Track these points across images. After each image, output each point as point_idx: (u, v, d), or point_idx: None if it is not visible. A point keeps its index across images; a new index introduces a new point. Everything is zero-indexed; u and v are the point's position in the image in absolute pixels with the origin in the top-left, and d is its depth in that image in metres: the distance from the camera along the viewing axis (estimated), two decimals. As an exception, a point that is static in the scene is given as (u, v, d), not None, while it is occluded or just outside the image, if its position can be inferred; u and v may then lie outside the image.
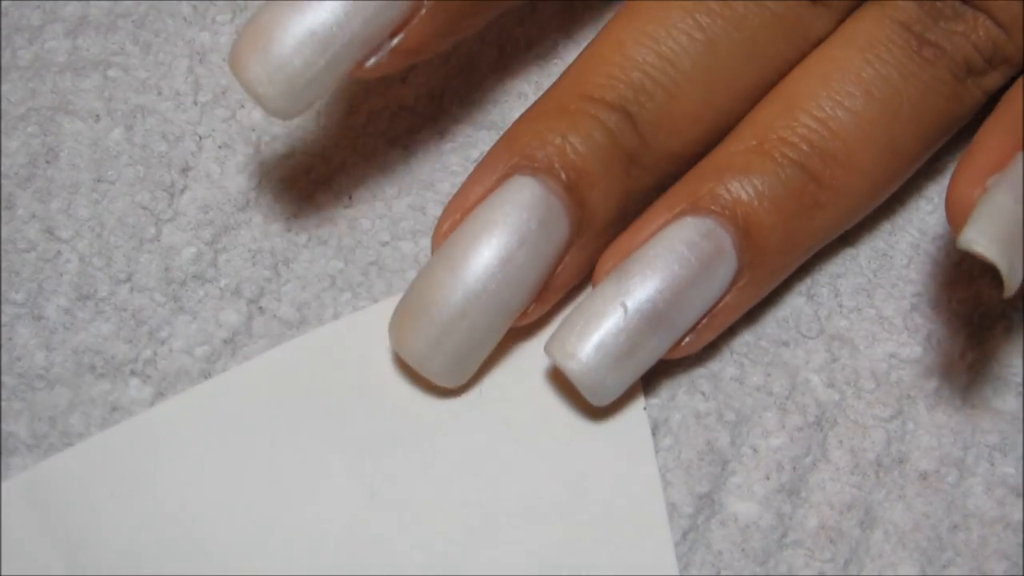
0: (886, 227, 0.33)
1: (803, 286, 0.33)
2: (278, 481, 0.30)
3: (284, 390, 0.31)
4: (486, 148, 0.34)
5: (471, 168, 0.33)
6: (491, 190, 0.30)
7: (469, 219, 0.29)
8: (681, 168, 0.31)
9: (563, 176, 0.29)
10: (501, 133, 0.32)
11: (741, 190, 0.30)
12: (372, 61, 0.29)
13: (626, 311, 0.29)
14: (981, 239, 0.27)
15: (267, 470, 0.30)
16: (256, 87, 0.28)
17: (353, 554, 0.29)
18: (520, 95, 0.35)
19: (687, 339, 0.30)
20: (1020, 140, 0.29)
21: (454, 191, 0.33)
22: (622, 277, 0.29)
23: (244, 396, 0.31)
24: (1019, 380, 0.31)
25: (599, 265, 0.30)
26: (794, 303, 0.32)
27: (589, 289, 0.31)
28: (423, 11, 0.29)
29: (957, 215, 0.28)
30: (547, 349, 0.30)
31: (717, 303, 0.30)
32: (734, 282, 0.30)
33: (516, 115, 0.32)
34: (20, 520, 0.29)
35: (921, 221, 0.33)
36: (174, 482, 0.30)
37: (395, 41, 0.29)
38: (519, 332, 0.32)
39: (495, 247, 0.29)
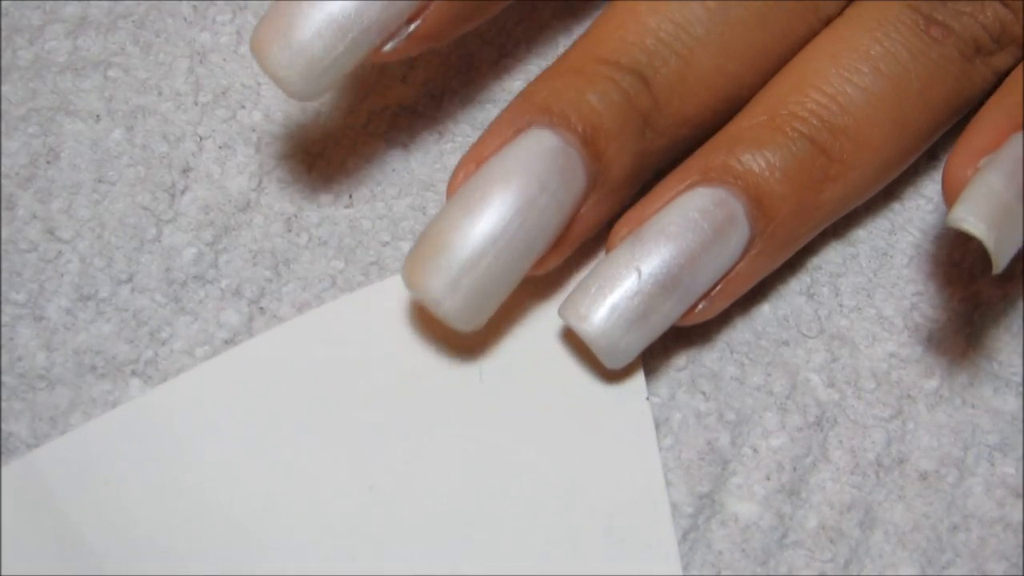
0: (886, 227, 0.33)
1: (803, 286, 0.33)
2: (274, 471, 0.30)
3: (280, 377, 0.31)
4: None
5: (472, 168, 0.34)
6: (508, 141, 0.30)
7: (485, 167, 0.30)
8: (694, 133, 0.32)
9: (580, 129, 0.30)
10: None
11: (753, 162, 0.30)
12: (390, 46, 0.30)
13: (640, 275, 0.30)
14: (969, 217, 0.28)
15: (263, 459, 0.30)
16: (277, 71, 0.29)
17: (351, 546, 0.29)
18: (520, 95, 0.35)
19: (701, 305, 0.31)
20: (1018, 122, 0.29)
21: (455, 191, 0.33)
22: (636, 243, 0.30)
23: (240, 382, 0.31)
24: (1019, 380, 0.31)
25: (613, 232, 0.31)
26: (794, 303, 0.32)
27: (603, 256, 0.31)
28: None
29: (950, 194, 0.29)
30: (561, 312, 0.30)
31: (730, 270, 0.31)
32: (747, 250, 0.31)
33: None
34: (17, 506, 0.29)
35: (921, 221, 0.33)
36: (169, 469, 0.30)
37: (412, 27, 0.30)
38: (518, 327, 0.32)
39: (514, 192, 0.29)
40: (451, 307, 0.29)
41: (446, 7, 0.30)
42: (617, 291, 0.30)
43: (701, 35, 0.31)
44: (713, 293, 0.31)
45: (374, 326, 0.31)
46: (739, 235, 0.30)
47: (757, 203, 0.30)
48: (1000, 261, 0.28)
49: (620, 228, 0.31)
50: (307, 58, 0.29)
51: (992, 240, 0.28)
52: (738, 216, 0.30)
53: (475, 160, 0.30)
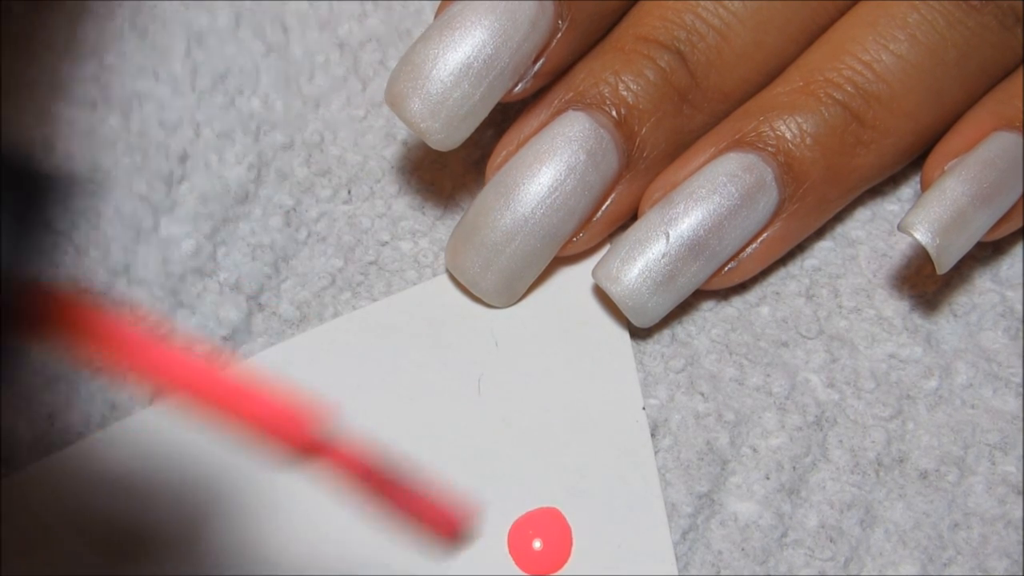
0: (885, 228, 0.34)
1: (802, 287, 0.33)
2: (273, 482, 0.29)
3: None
4: (488, 147, 0.33)
5: (472, 167, 0.33)
6: (545, 124, 0.31)
7: (523, 150, 0.31)
8: (732, 108, 0.32)
9: (613, 112, 0.31)
10: (502, 131, 0.32)
11: (784, 128, 0.31)
12: (519, 87, 0.31)
13: (668, 239, 0.30)
14: (916, 223, 0.29)
15: (262, 470, 0.29)
16: (419, 123, 0.29)
17: (349, 555, 0.29)
18: (519, 91, 0.34)
19: (728, 267, 0.31)
20: (1003, 121, 0.30)
21: (455, 190, 0.33)
22: (666, 207, 0.31)
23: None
24: (1019, 380, 0.32)
25: (645, 196, 0.32)
26: (793, 303, 0.33)
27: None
28: (560, 34, 0.30)
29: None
30: (593, 274, 0.31)
31: (759, 234, 0.31)
32: (776, 214, 0.31)
33: (518, 114, 0.32)
34: (20, 519, 0.29)
35: (919, 223, 0.34)
36: (170, 482, 0.29)
37: (538, 65, 0.31)
38: (514, 333, 0.31)
39: (545, 175, 0.30)
40: (485, 287, 0.31)
41: (565, 42, 0.31)
42: (646, 253, 0.31)
43: (739, 10, 0.31)
44: (743, 256, 0.31)
45: (373, 341, 0.31)
46: (767, 199, 0.31)
47: (787, 168, 0.31)
48: (944, 265, 0.30)
49: (652, 192, 0.32)
50: (447, 108, 0.29)
51: (935, 247, 0.29)
52: (767, 181, 0.31)
53: (514, 140, 0.31)
